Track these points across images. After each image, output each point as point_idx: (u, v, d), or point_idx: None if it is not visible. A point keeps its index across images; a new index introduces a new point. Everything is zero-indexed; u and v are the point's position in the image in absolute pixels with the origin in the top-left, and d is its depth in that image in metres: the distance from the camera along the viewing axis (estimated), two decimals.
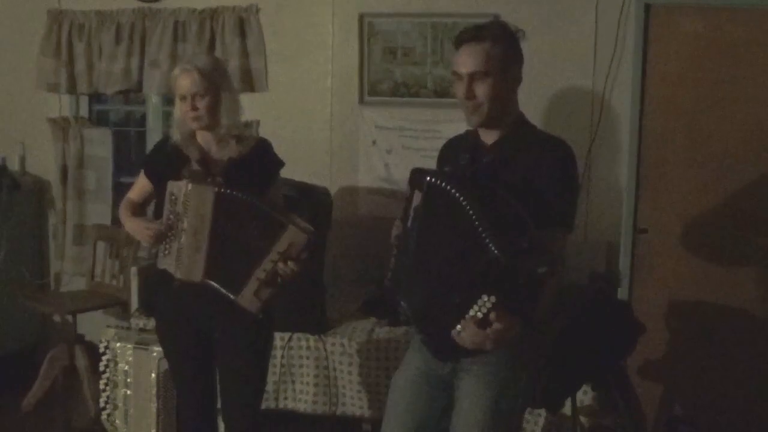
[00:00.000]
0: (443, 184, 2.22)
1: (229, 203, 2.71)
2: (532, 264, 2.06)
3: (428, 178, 2.28)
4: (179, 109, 2.85)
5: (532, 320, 2.17)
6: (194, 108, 2.78)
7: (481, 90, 2.33)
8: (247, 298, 2.74)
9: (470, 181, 2.30)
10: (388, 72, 4.44)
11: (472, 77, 2.33)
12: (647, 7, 4.06)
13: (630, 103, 4.12)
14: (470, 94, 2.34)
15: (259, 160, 2.89)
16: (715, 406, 4.10)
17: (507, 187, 2.25)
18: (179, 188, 2.74)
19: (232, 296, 2.75)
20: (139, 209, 3.00)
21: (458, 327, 2.15)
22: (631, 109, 4.12)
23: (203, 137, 2.89)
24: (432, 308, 2.27)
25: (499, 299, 2.08)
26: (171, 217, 2.76)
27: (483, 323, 2.10)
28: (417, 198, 2.31)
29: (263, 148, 2.96)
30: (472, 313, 2.10)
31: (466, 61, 2.34)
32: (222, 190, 2.71)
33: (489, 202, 2.16)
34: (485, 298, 2.08)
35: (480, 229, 2.09)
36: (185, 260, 2.76)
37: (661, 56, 4.08)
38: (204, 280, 2.76)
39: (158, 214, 2.86)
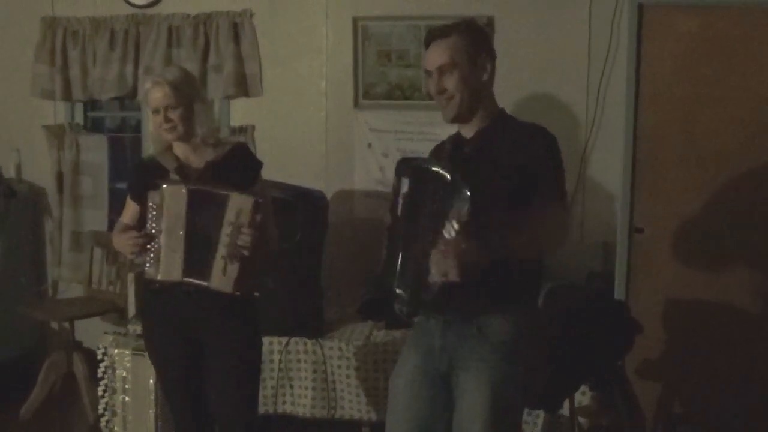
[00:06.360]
0: (426, 165, 2.30)
1: (200, 198, 2.75)
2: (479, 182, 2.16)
3: (413, 164, 2.36)
4: (152, 123, 2.88)
5: (496, 247, 2.20)
6: (168, 120, 2.80)
7: (450, 82, 2.40)
8: (217, 279, 2.75)
9: (452, 162, 2.36)
10: (382, 75, 4.45)
11: (441, 71, 2.40)
12: (640, 7, 4.06)
13: (624, 102, 4.12)
14: (440, 89, 2.42)
15: (236, 163, 2.91)
16: (714, 405, 4.09)
17: (490, 166, 2.31)
18: (156, 196, 2.77)
19: (205, 283, 2.76)
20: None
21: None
22: (625, 109, 4.12)
23: (180, 148, 2.90)
24: (422, 278, 2.27)
25: (463, 225, 2.14)
26: (153, 226, 2.79)
27: (448, 249, 2.16)
28: (404, 185, 2.37)
29: (240, 150, 2.99)
30: (441, 246, 2.16)
31: (433, 57, 2.42)
32: (193, 187, 2.75)
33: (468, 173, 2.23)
34: (448, 224, 2.15)
35: (445, 174, 2.20)
36: (164, 260, 2.78)
37: (655, 55, 4.08)
38: (183, 278, 2.78)
39: (142, 228, 2.86)
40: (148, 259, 2.82)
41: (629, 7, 4.08)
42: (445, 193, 2.20)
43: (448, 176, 2.20)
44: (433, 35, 2.44)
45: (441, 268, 2.17)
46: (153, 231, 2.78)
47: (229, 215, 2.71)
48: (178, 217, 2.75)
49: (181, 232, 2.76)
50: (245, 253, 2.73)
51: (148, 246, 2.79)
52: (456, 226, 2.15)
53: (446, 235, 2.16)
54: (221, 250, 2.73)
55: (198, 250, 2.76)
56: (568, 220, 2.46)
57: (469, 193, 2.13)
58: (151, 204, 2.78)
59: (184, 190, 2.75)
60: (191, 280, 2.78)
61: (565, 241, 2.37)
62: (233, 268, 2.74)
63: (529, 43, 4.22)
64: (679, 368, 4.13)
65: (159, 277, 2.80)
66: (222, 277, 2.74)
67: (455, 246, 2.14)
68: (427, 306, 2.38)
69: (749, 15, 3.97)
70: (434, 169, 2.27)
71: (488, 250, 2.17)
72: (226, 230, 2.72)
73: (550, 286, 3.33)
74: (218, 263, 2.74)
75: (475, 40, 2.42)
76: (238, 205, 2.71)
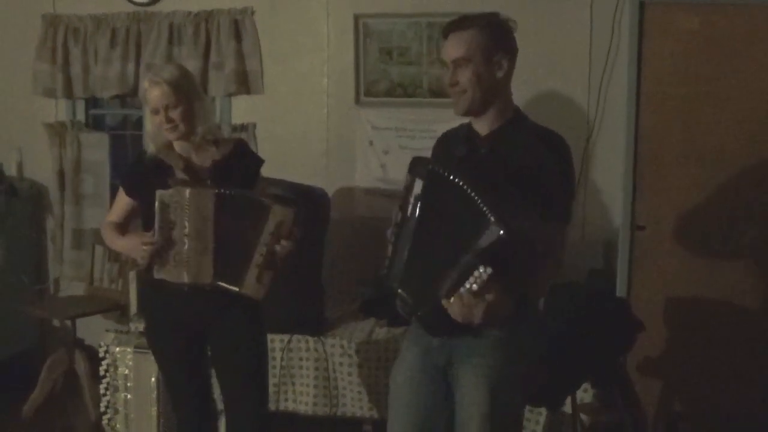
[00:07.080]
0: (445, 172, 2.23)
1: (227, 202, 2.74)
2: (528, 233, 2.08)
3: (429, 166, 2.29)
4: (151, 122, 2.85)
5: (524, 299, 2.18)
6: (169, 120, 2.78)
7: (464, 76, 2.38)
8: (251, 287, 2.76)
9: (469, 169, 2.31)
10: (383, 72, 4.45)
11: (456, 64, 2.39)
12: (642, 4, 4.06)
13: (626, 100, 4.12)
14: (453, 81, 2.40)
15: (240, 161, 2.92)
16: (714, 403, 4.10)
17: (506, 178, 2.28)
18: (171, 196, 2.73)
19: (236, 289, 2.76)
20: (124, 230, 2.98)
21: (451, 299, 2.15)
22: (626, 106, 4.12)
23: (181, 146, 2.88)
24: (430, 289, 2.23)
25: (496, 272, 2.08)
26: (163, 226, 2.74)
27: (477, 295, 2.11)
28: (417, 186, 2.31)
29: (242, 148, 2.99)
30: (467, 285, 2.11)
31: (449, 49, 2.40)
32: (221, 191, 2.74)
33: (489, 188, 2.17)
34: (481, 269, 2.09)
35: (480, 203, 2.10)
36: (193, 263, 2.75)
37: (656, 53, 4.08)
38: (214, 281, 2.77)
39: (146, 228, 2.83)
40: (162, 261, 2.77)
41: (630, 5, 4.07)
42: (475, 223, 2.10)
43: (492, 218, 2.06)
44: (451, 26, 2.41)
45: (465, 314, 2.14)
46: (164, 232, 2.74)
47: (270, 225, 2.72)
48: (205, 219, 2.73)
49: (211, 235, 2.74)
50: (278, 262, 2.75)
51: (166, 249, 2.76)
52: (488, 271, 2.08)
53: (476, 275, 2.09)
54: (257, 260, 2.73)
55: (230, 255, 2.75)
56: (564, 248, 2.39)
57: (508, 241, 2.04)
58: (163, 204, 2.73)
59: (212, 193, 2.73)
60: (222, 284, 2.77)
61: (558, 272, 2.35)
62: (267, 276, 2.75)
63: (530, 41, 4.19)
64: (680, 366, 4.13)
65: (186, 281, 2.77)
66: (256, 284, 2.76)
67: (484, 296, 2.10)
68: (429, 315, 2.37)
69: (750, 13, 3.96)
70: (463, 186, 2.16)
71: (511, 296, 2.14)
72: (265, 239, 2.72)
73: (551, 284, 3.33)
74: (253, 270, 2.74)
75: (493, 35, 2.39)
76: (279, 216, 2.72)
